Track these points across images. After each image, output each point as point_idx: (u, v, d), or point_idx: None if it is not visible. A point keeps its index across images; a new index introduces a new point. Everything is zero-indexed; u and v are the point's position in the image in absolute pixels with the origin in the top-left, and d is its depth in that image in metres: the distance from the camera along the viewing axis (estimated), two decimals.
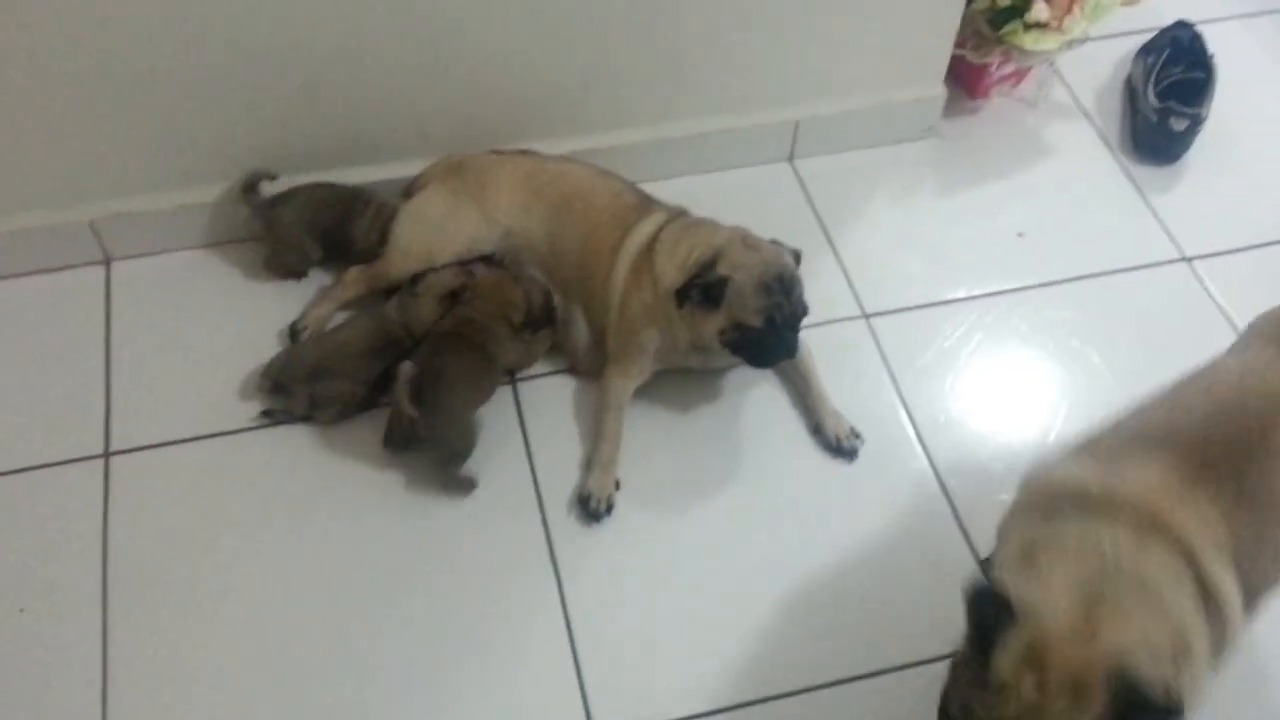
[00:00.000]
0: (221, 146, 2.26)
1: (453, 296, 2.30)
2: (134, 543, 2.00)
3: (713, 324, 2.10)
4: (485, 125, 2.37)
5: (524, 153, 2.36)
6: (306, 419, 2.15)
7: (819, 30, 2.59)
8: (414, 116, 2.32)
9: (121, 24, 2.11)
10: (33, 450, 2.09)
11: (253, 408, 2.19)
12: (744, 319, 2.11)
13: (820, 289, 2.28)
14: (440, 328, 2.20)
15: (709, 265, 2.04)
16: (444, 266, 2.23)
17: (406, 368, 2.08)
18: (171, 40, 2.05)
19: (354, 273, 2.33)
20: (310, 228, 2.27)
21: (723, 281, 2.03)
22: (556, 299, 2.35)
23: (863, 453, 2.20)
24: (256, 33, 2.08)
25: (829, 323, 2.35)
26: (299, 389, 2.13)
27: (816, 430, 2.23)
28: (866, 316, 2.44)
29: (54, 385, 2.19)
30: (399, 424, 2.12)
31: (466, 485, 2.21)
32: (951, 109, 2.72)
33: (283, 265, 2.34)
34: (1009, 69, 2.94)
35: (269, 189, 2.31)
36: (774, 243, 2.27)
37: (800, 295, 2.19)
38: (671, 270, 2.13)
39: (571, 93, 2.39)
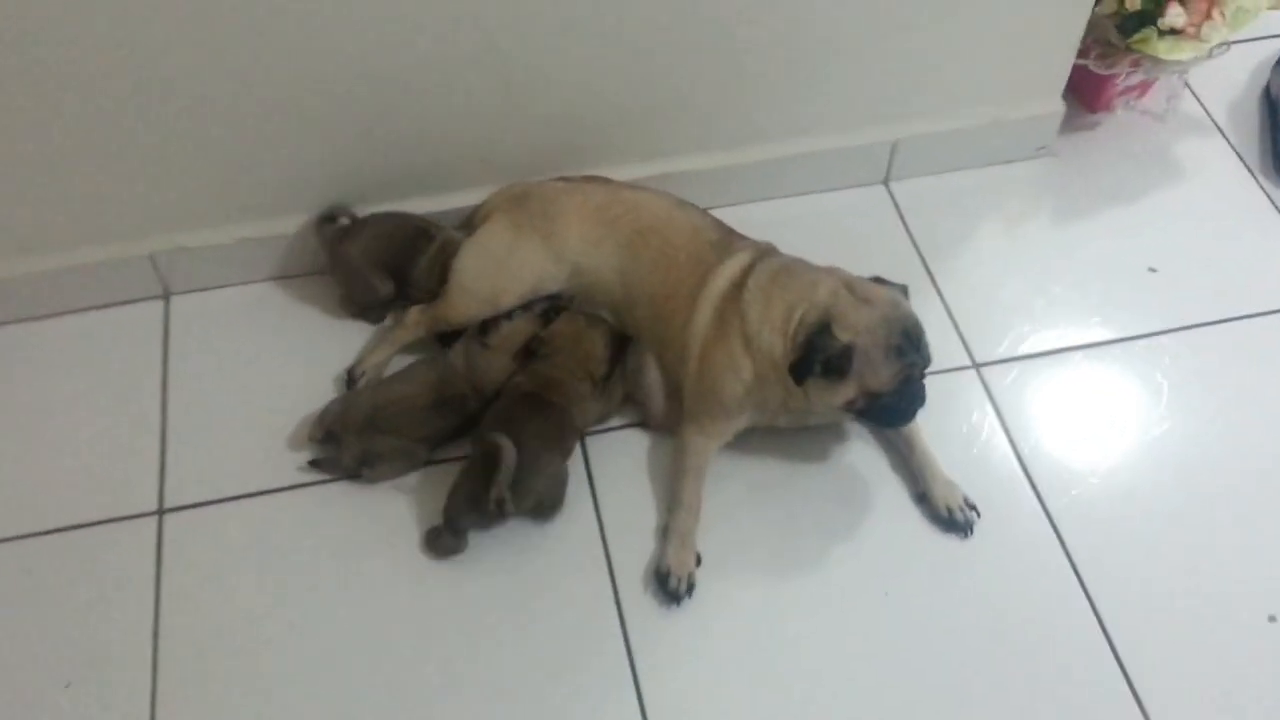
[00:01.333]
0: (285, 179, 2.02)
1: (526, 350, 1.94)
2: (187, 611, 1.75)
3: (838, 396, 1.74)
4: (551, 151, 2.08)
5: (593, 179, 2.04)
6: (355, 475, 1.85)
7: (921, 41, 2.17)
8: (479, 143, 2.05)
9: (183, 52, 1.83)
10: (83, 505, 1.84)
11: (304, 458, 1.90)
12: (876, 386, 1.73)
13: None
14: (516, 387, 1.85)
15: (822, 330, 1.69)
16: (515, 312, 1.94)
17: (509, 450, 1.69)
18: (234, 71, 1.82)
19: (414, 314, 2.02)
20: (376, 262, 1.99)
21: (848, 351, 1.67)
22: (632, 344, 1.99)
23: (977, 526, 1.81)
24: (322, 62, 1.84)
25: (932, 373, 1.86)
26: (351, 441, 1.82)
27: (923, 499, 1.87)
28: (976, 366, 2.08)
29: (107, 432, 1.95)
30: (473, 498, 1.73)
31: (559, 503, 1.85)
32: (1067, 123, 2.34)
33: (355, 303, 2.05)
34: (1135, 79, 2.44)
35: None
36: (879, 282, 1.85)
37: (928, 343, 1.79)
38: (774, 337, 1.77)
39: (644, 115, 2.08)
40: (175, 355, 2.08)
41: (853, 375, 1.69)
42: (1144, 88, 2.55)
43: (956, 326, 2.11)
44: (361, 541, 1.82)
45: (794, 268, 1.87)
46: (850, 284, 1.84)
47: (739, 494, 1.86)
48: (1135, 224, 2.35)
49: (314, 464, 1.88)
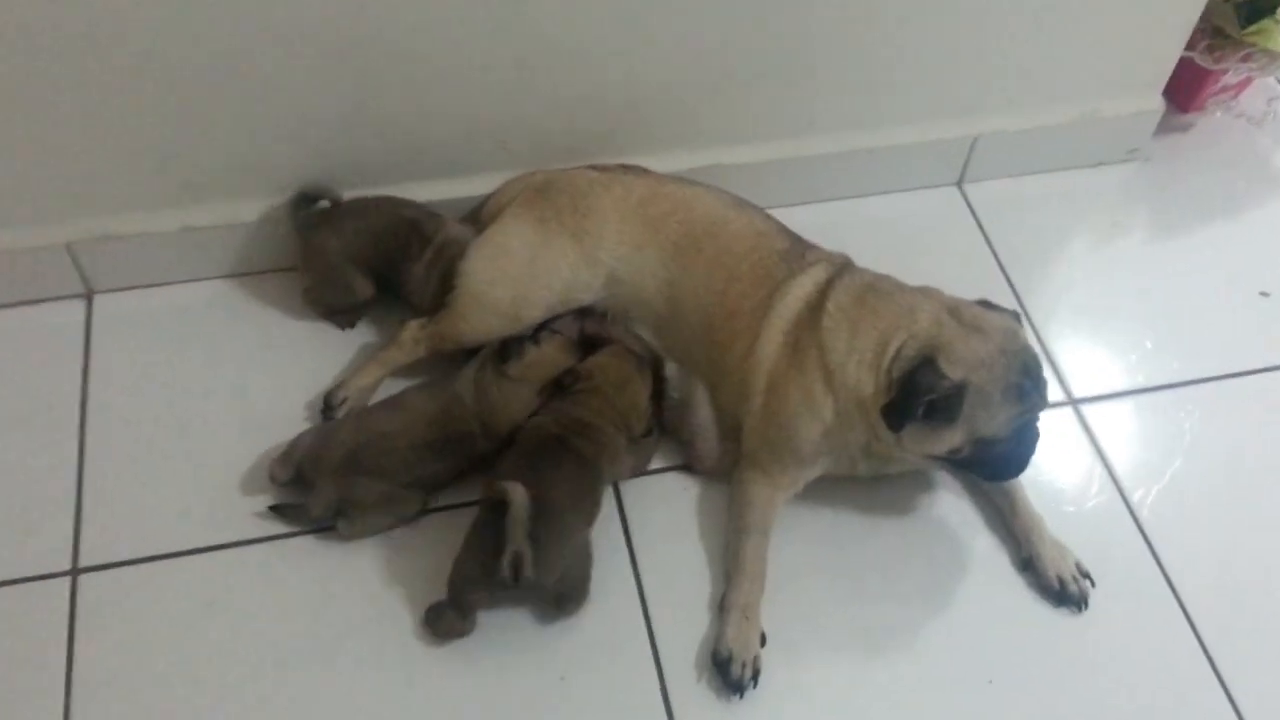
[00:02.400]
0: (244, 154, 1.74)
1: (555, 385, 1.66)
2: (102, 698, 1.47)
3: (941, 443, 1.52)
4: (577, 134, 1.85)
5: (630, 169, 1.79)
6: (327, 527, 1.58)
7: (1007, 23, 1.93)
8: (491, 122, 1.81)
9: None
10: None
11: (260, 504, 1.61)
12: (990, 433, 1.49)
13: None
14: (538, 429, 1.59)
15: (926, 365, 1.47)
16: (543, 334, 1.69)
17: (519, 496, 1.42)
18: (179, 16, 1.55)
19: (412, 329, 1.75)
20: (357, 258, 1.74)
21: (959, 391, 1.44)
22: (670, 369, 1.73)
23: (1091, 597, 1.63)
24: (297, 12, 1.57)
25: None
26: (325, 485, 1.55)
27: (1029, 565, 1.66)
28: (1074, 403, 1.88)
29: (8, 467, 1.65)
30: (483, 568, 1.44)
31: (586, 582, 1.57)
32: (1158, 124, 2.16)
33: (324, 304, 1.80)
34: (1238, 77, 2.23)
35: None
36: (986, 306, 1.61)
37: (1045, 382, 1.56)
38: (864, 372, 1.54)
39: (687, 96, 1.87)
40: (97, 371, 1.78)
41: (962, 420, 1.46)
42: (1239, 88, 2.35)
43: (1050, 356, 1.91)
44: (335, 613, 1.55)
45: (883, 287, 1.61)
46: (955, 309, 1.57)
47: (806, 555, 1.64)
48: (1240, 241, 2.15)
49: (275, 510, 1.59)
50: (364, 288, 1.76)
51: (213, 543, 1.63)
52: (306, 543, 1.61)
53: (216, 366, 1.78)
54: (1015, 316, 1.63)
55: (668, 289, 1.69)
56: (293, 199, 1.75)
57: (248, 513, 1.63)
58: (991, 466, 1.60)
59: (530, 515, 1.42)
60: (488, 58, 1.71)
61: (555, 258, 1.69)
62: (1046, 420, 1.76)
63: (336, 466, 1.57)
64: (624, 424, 1.62)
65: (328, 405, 1.70)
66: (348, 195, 1.82)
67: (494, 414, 1.62)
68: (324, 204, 1.76)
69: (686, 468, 1.72)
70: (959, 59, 1.95)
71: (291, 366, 1.80)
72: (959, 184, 2.15)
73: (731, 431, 1.72)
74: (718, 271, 1.68)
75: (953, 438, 1.51)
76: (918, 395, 1.46)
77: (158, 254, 1.82)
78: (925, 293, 1.63)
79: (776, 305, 1.63)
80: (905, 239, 2.05)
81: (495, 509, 1.45)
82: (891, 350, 1.52)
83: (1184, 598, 1.69)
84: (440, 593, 1.52)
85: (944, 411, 1.47)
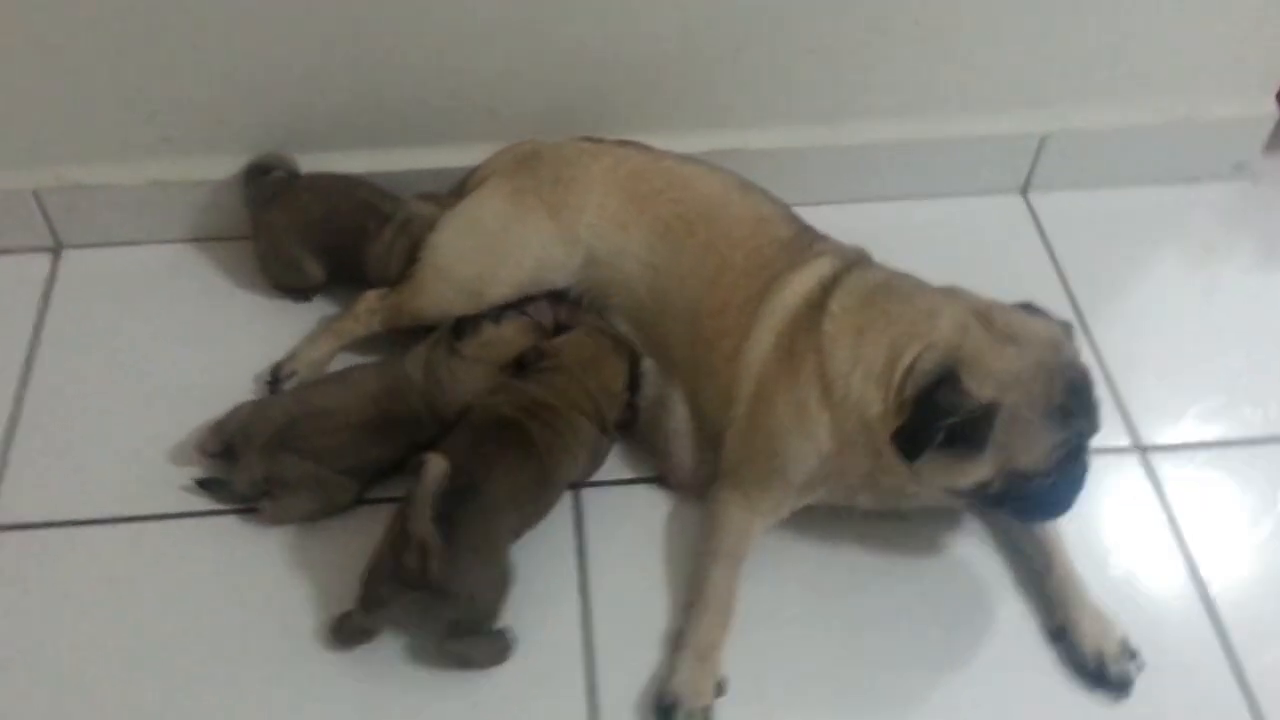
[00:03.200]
0: (216, 105, 1.70)
1: (517, 364, 1.52)
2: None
3: (966, 476, 1.32)
4: (576, 104, 1.75)
5: (628, 144, 1.66)
6: (251, 507, 1.49)
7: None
8: (483, 86, 1.73)
9: None
10: None
11: (189, 477, 1.55)
12: (1027, 465, 1.29)
13: None
14: (490, 410, 1.46)
15: (947, 381, 1.28)
16: (506, 313, 1.59)
17: (435, 465, 1.29)
18: None
19: (370, 299, 1.68)
20: (308, 239, 1.69)
21: (988, 413, 1.26)
22: (648, 365, 1.59)
23: (1138, 680, 1.40)
24: None
25: None
26: (251, 460, 1.46)
27: (1062, 635, 1.45)
28: (1141, 449, 1.67)
29: None
30: (397, 560, 1.30)
31: (500, 654, 1.40)
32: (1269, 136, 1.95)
33: (274, 279, 1.75)
34: None
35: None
36: (1028, 309, 1.41)
37: (1098, 403, 1.35)
38: (869, 387, 1.36)
39: (705, 66, 1.74)
40: (52, 325, 1.75)
41: (992, 448, 1.26)
42: None
43: (1115, 392, 1.72)
44: (241, 600, 1.46)
45: (899, 286, 1.44)
46: (985, 313, 1.37)
47: (787, 595, 1.48)
48: None
49: (202, 485, 1.53)
50: (313, 269, 1.70)
51: (132, 513, 1.55)
52: (228, 523, 1.52)
53: (172, 332, 1.73)
54: (1066, 328, 1.40)
55: (652, 275, 1.56)
56: (247, 168, 1.70)
57: (174, 485, 1.55)
58: (1028, 505, 1.38)
59: (450, 499, 1.28)
60: (476, 11, 1.64)
61: (527, 232, 1.58)
62: (1104, 465, 1.57)
63: (265, 441, 1.47)
64: (594, 409, 1.47)
65: (274, 378, 1.63)
66: (322, 161, 1.77)
67: (443, 396, 1.51)
68: (279, 174, 1.70)
69: (658, 480, 1.57)
70: (1027, 34, 1.76)
71: (248, 337, 1.72)
72: (1023, 191, 1.99)
73: (711, 442, 1.56)
74: (710, 258, 1.53)
75: (980, 470, 1.31)
76: (937, 418, 1.27)
77: (126, 209, 1.79)
78: (950, 294, 1.43)
79: (771, 300, 1.47)
80: (954, 253, 1.85)
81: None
82: (905, 362, 1.33)
83: (1255, 692, 1.44)
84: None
85: (969, 438, 1.27)
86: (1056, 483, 1.34)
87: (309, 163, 1.77)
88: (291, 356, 1.66)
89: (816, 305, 1.45)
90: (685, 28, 1.71)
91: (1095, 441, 1.57)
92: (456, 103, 1.73)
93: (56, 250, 1.87)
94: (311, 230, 1.68)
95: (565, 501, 1.56)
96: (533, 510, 1.46)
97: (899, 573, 1.51)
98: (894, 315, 1.38)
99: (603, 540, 1.53)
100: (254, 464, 1.47)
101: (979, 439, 1.27)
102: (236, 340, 1.73)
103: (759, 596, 1.45)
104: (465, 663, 1.39)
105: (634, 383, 1.60)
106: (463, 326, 1.53)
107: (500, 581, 1.38)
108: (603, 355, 1.52)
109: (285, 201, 1.69)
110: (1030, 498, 1.35)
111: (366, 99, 1.72)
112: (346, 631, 1.40)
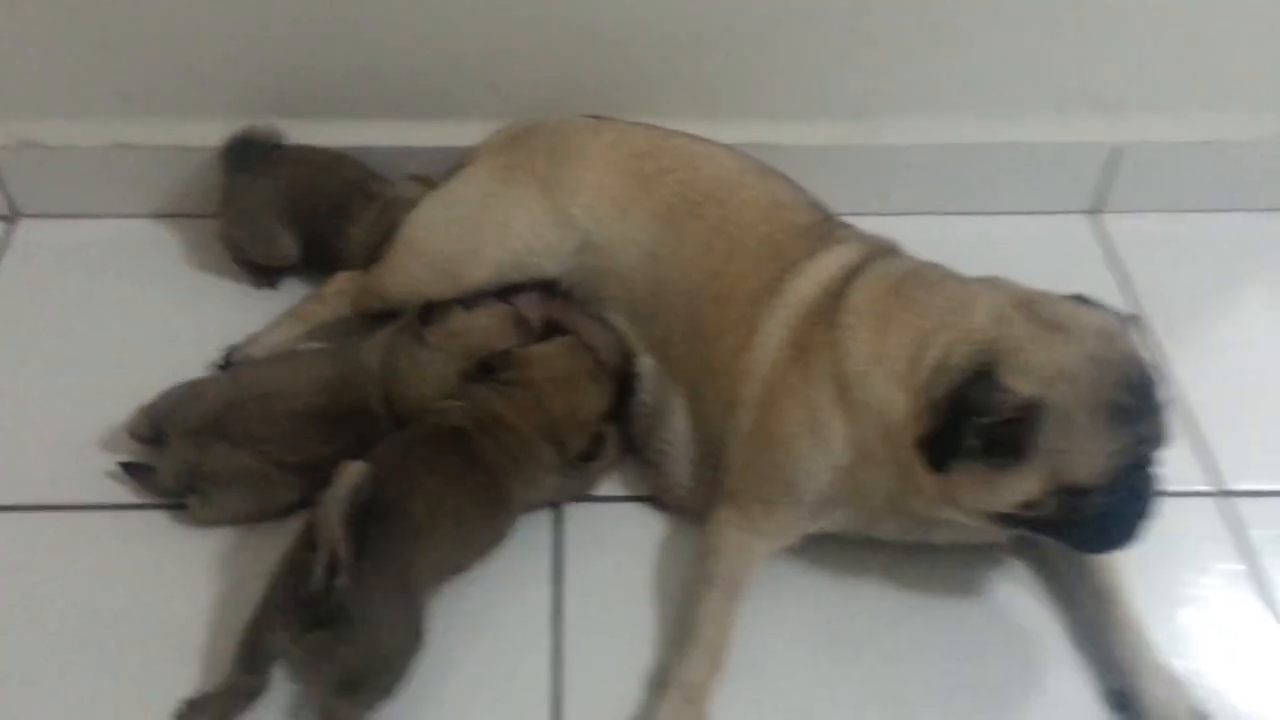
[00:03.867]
0: (192, 64, 1.62)
1: (480, 368, 1.38)
2: None
3: (1009, 492, 1.16)
4: (588, 82, 1.65)
5: (638, 125, 1.55)
6: (177, 503, 1.37)
7: None
8: (483, 56, 1.64)
9: None
10: None
11: (115, 463, 1.42)
12: (1081, 477, 1.13)
13: None
14: (439, 417, 1.33)
15: (981, 376, 1.14)
16: (482, 301, 1.46)
17: (353, 469, 1.14)
18: None
19: (340, 280, 1.58)
20: (287, 212, 1.60)
21: (1031, 412, 1.10)
22: (645, 366, 1.45)
23: None
24: None
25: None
26: (179, 447, 1.34)
27: (1122, 702, 1.27)
28: (1222, 494, 1.50)
29: None
30: (306, 572, 1.13)
31: None
32: None
33: (240, 254, 1.65)
34: None
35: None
36: (1079, 301, 1.24)
37: (1164, 404, 1.16)
38: (892, 386, 1.22)
39: (727, 43, 1.63)
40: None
41: (1037, 456, 1.11)
42: None
43: (1196, 432, 1.57)
44: (152, 609, 1.32)
45: (929, 274, 1.30)
46: (1029, 302, 1.21)
47: (795, 637, 1.32)
48: None
49: (127, 470, 1.40)
50: (287, 246, 1.61)
51: (50, 501, 1.42)
52: (154, 518, 1.40)
53: (126, 313, 1.64)
54: (1125, 320, 1.23)
55: (652, 263, 1.45)
56: (230, 139, 1.61)
57: (102, 474, 1.44)
58: (1084, 531, 1.19)
59: (365, 516, 1.13)
60: None
61: (514, 209, 1.47)
62: (1180, 509, 1.39)
63: (196, 426, 1.36)
64: (553, 434, 1.34)
65: (227, 362, 1.52)
66: (308, 130, 1.67)
67: (401, 387, 1.39)
68: (262, 145, 1.62)
69: (652, 499, 1.44)
70: (1098, 29, 1.64)
71: (207, 323, 1.60)
72: (1093, 212, 1.84)
73: (712, 455, 1.39)
74: (716, 243, 1.41)
75: (1024, 484, 1.14)
76: (968, 419, 1.11)
77: (88, 175, 1.71)
78: (989, 283, 1.27)
79: (784, 289, 1.33)
80: (1011, 277, 1.66)
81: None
82: (933, 357, 1.19)
83: None
84: None
85: (1009, 444, 1.12)
86: (1118, 501, 1.16)
87: (294, 132, 1.67)
88: (248, 340, 1.55)
89: (836, 296, 1.30)
90: (708, 2, 1.60)
91: (1171, 483, 1.39)
92: (456, 74, 1.65)
93: (12, 219, 1.78)
94: (291, 204, 1.59)
95: (543, 519, 1.43)
96: (468, 547, 1.29)
97: (928, 619, 1.35)
98: (922, 305, 1.23)
99: (583, 564, 1.38)
100: (181, 452, 1.35)
101: (1020, 445, 1.11)
102: (195, 325, 1.61)
103: (759, 635, 1.29)
104: None
105: (626, 389, 1.45)
106: (431, 311, 1.42)
107: (408, 628, 1.18)
108: (576, 377, 1.38)
109: (265, 170, 1.60)
110: (1087, 522, 1.16)
111: (358, 64, 1.64)
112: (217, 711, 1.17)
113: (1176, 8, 1.65)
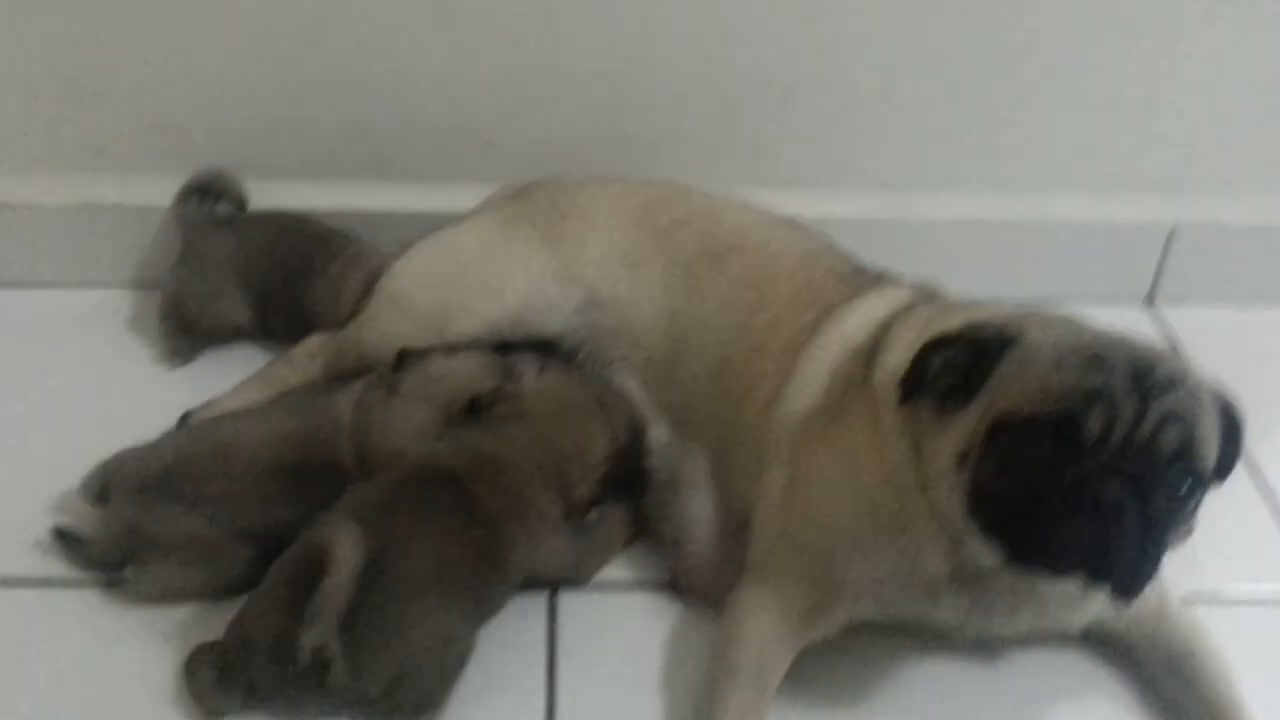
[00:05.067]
0: (157, 119, 1.59)
1: (471, 409, 1.28)
2: None
3: (953, 436, 1.06)
4: (592, 141, 1.62)
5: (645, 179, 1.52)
6: (115, 577, 1.25)
7: (1235, 47, 1.60)
8: (478, 113, 1.62)
9: None
10: None
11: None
12: (1014, 405, 1.02)
13: (1235, 536, 1.32)
14: (425, 460, 1.23)
15: (975, 327, 1.10)
16: (465, 349, 1.38)
17: (346, 550, 1.08)
18: None
19: (312, 343, 1.51)
20: (246, 277, 1.56)
21: (1004, 340, 1.05)
22: (659, 436, 1.36)
23: None
24: None
25: (1256, 602, 1.32)
26: (120, 505, 1.23)
27: None
28: None
29: None
30: (278, 651, 1.08)
31: None
32: None
33: (180, 316, 1.58)
34: None
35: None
36: None
37: (1182, 422, 1.00)
38: (899, 359, 1.14)
39: (750, 111, 1.61)
40: None
41: (987, 388, 1.04)
42: None
43: None
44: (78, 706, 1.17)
45: (981, 305, 1.23)
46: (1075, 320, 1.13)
47: None
48: None
49: (60, 537, 1.28)
50: (238, 310, 1.57)
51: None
52: (87, 596, 1.27)
53: (86, 382, 1.56)
54: (1225, 406, 1.10)
55: (669, 322, 1.38)
56: (185, 187, 1.59)
57: (34, 545, 1.32)
58: (1023, 525, 1.02)
59: (359, 583, 1.07)
60: (476, 26, 1.54)
61: (512, 262, 1.43)
62: None
63: (140, 483, 1.24)
64: (557, 475, 1.23)
65: (182, 425, 1.41)
66: (287, 191, 1.64)
67: (373, 440, 1.29)
68: (222, 205, 1.60)
69: (669, 584, 1.32)
70: (1155, 103, 1.62)
71: (171, 394, 1.50)
72: (1149, 302, 1.80)
73: (738, 530, 1.26)
74: (744, 295, 1.35)
75: (967, 421, 1.05)
76: (940, 348, 1.07)
77: (53, 239, 1.66)
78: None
79: (826, 332, 1.26)
80: None
81: (307, 558, 1.11)
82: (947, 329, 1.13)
83: None
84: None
85: (971, 376, 1.05)
86: (1058, 474, 0.99)
87: (271, 192, 1.63)
88: (209, 403, 1.45)
89: (881, 334, 1.21)
90: (724, 58, 1.59)
91: (1265, 585, 1.35)
92: (448, 131, 1.63)
93: None
94: (250, 263, 1.56)
95: (536, 609, 1.29)
96: (487, 594, 1.18)
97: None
98: (960, 316, 1.16)
99: (581, 662, 1.24)
100: (121, 511, 1.24)
101: (978, 376, 1.04)
102: (156, 396, 1.51)
103: None
104: None
105: (637, 458, 1.34)
106: (407, 357, 1.34)
107: (439, 660, 1.12)
108: (577, 409, 1.29)
109: (227, 230, 1.58)
110: (1027, 512, 1.00)
111: (342, 120, 1.62)
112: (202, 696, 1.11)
113: (1233, 82, 1.63)
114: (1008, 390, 1.03)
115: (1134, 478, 0.99)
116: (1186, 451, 1.00)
